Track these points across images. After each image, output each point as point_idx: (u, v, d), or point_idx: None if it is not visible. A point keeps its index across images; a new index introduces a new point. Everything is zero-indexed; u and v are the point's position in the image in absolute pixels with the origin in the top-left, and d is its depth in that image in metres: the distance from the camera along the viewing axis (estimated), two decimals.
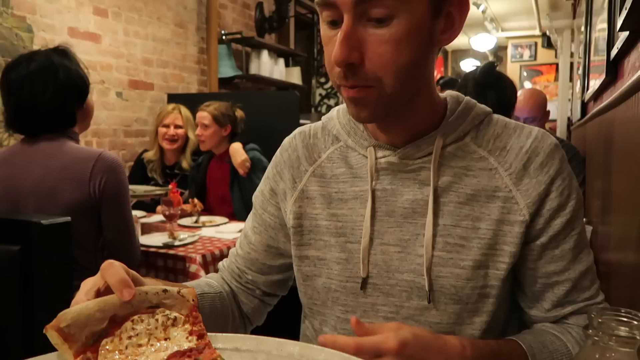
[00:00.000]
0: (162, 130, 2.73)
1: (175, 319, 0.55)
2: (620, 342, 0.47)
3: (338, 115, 0.83)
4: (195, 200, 2.30)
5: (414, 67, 0.65)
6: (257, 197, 0.89)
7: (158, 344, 0.53)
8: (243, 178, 2.43)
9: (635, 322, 0.48)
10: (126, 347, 0.52)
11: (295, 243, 0.81)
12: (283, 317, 1.10)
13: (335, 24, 0.64)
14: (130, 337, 0.52)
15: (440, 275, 0.72)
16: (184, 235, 1.98)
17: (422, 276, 0.73)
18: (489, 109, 0.78)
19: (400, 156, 0.74)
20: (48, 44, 2.68)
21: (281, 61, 4.50)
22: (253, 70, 4.19)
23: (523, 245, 0.73)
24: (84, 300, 0.54)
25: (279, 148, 0.88)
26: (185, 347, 0.53)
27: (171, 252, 1.83)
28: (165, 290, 0.56)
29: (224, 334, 0.56)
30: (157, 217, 2.41)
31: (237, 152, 2.44)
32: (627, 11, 0.95)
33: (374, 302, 0.76)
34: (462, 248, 0.72)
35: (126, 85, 3.24)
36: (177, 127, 2.73)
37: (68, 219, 1.28)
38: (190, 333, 0.54)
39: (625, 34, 1.21)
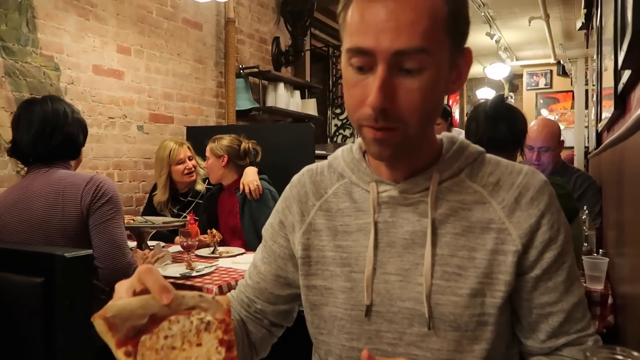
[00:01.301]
0: (178, 168, 2.78)
1: (208, 323, 0.57)
2: None
3: (343, 154, 0.89)
4: (214, 231, 2.35)
5: (433, 112, 0.74)
6: (266, 230, 0.94)
7: (190, 349, 0.55)
8: (253, 208, 2.49)
9: None
10: (161, 348, 0.55)
11: (303, 273, 0.85)
12: (294, 353, 1.11)
13: (362, 70, 0.70)
14: (166, 337, 0.55)
15: (439, 302, 0.76)
16: (201, 266, 2.02)
17: (422, 304, 0.76)
18: (482, 149, 0.84)
19: (400, 190, 0.79)
20: (74, 82, 2.83)
21: (297, 93, 4.59)
22: (270, 102, 4.29)
23: (518, 277, 0.77)
24: (124, 297, 0.58)
25: (289, 184, 0.93)
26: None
27: (188, 282, 1.87)
28: (201, 295, 0.58)
29: None
30: (175, 248, 2.45)
31: (250, 173, 2.57)
32: (624, 52, 0.98)
33: (378, 329, 0.79)
34: (459, 277, 0.76)
35: (147, 119, 3.35)
36: (189, 158, 2.83)
37: (90, 251, 1.33)
38: (221, 343, 0.56)
39: (629, 71, 1.24)
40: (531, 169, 0.80)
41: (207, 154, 2.63)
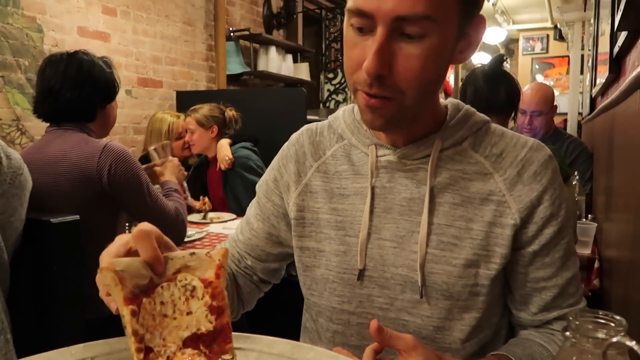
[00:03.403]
0: (178, 143, 2.67)
1: (194, 289, 0.54)
2: (597, 344, 0.49)
3: (344, 115, 0.86)
4: (206, 198, 2.34)
5: (434, 83, 0.70)
6: (260, 187, 0.92)
7: (180, 318, 0.53)
8: (229, 178, 2.47)
9: (612, 325, 0.50)
10: (158, 314, 0.53)
11: (296, 234, 0.85)
12: (285, 312, 1.12)
13: (362, 30, 0.66)
14: (162, 303, 0.53)
15: (432, 271, 0.75)
16: (191, 232, 2.02)
17: (416, 271, 0.76)
18: (487, 118, 0.82)
19: (399, 155, 0.78)
20: (58, 44, 2.75)
21: (289, 57, 4.51)
22: (261, 66, 4.21)
23: (514, 251, 0.76)
24: (117, 252, 0.55)
25: (287, 142, 0.91)
26: (203, 330, 0.53)
27: (179, 248, 1.86)
28: (192, 253, 0.55)
29: None
30: None
31: (222, 147, 2.51)
32: (621, 12, 0.96)
33: (370, 293, 0.79)
34: (455, 247, 0.75)
35: (135, 83, 3.28)
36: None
37: (77, 217, 1.32)
38: (210, 310, 0.53)
39: (625, 32, 1.21)
40: (536, 142, 0.78)
41: (191, 126, 2.52)
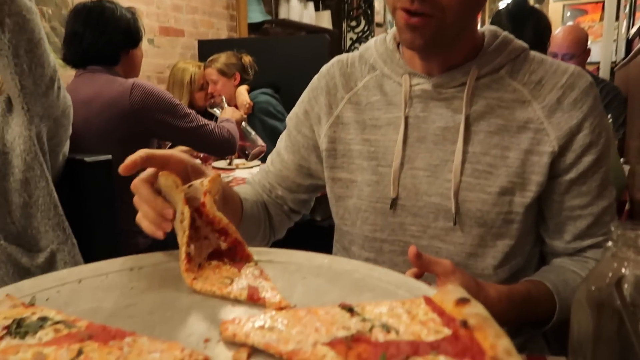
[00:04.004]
0: (201, 94, 2.62)
1: (193, 219, 0.55)
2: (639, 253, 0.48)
3: (375, 44, 0.85)
4: None
5: (475, 3, 0.69)
6: (291, 119, 0.92)
7: (200, 241, 0.56)
8: (252, 122, 2.48)
9: None
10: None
11: (328, 165, 0.86)
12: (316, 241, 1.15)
13: None
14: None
15: (466, 199, 0.75)
16: None
17: (449, 199, 0.76)
18: (526, 45, 0.80)
19: (434, 84, 0.76)
20: None
21: (311, 5, 4.40)
22: (282, 14, 4.12)
23: (551, 179, 0.75)
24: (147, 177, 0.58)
25: (317, 74, 0.91)
26: (222, 247, 0.56)
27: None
28: (190, 185, 0.58)
29: (257, 248, 0.60)
30: None
31: (240, 94, 2.51)
32: None
33: (402, 221, 0.80)
34: (490, 175, 0.75)
35: (157, 32, 3.25)
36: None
37: (109, 156, 1.35)
38: (216, 232, 0.56)
39: None
40: (578, 69, 0.76)
41: (213, 77, 2.50)
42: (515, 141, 0.74)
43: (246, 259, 0.56)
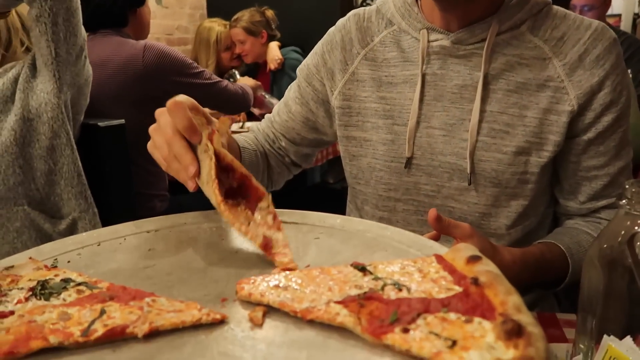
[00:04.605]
0: (226, 55, 2.61)
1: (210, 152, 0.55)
2: None
3: None
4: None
5: None
6: (301, 70, 0.91)
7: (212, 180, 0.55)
8: (280, 78, 2.49)
9: None
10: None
11: (342, 124, 0.85)
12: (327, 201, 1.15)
13: None
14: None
15: (482, 159, 0.75)
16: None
17: (465, 159, 0.75)
18: (549, 0, 0.76)
19: (453, 40, 0.75)
20: None
21: None
22: None
23: (568, 139, 0.74)
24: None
25: (333, 27, 0.88)
26: (234, 185, 0.55)
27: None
28: (209, 122, 0.59)
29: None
30: None
31: (271, 49, 2.53)
32: None
33: (417, 181, 0.80)
34: (507, 134, 0.74)
35: None
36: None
37: (122, 121, 1.35)
38: (223, 170, 0.56)
39: None
40: (601, 25, 0.74)
41: (241, 37, 2.50)
42: (534, 100, 0.73)
43: (258, 195, 0.55)
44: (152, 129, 0.58)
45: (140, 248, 0.54)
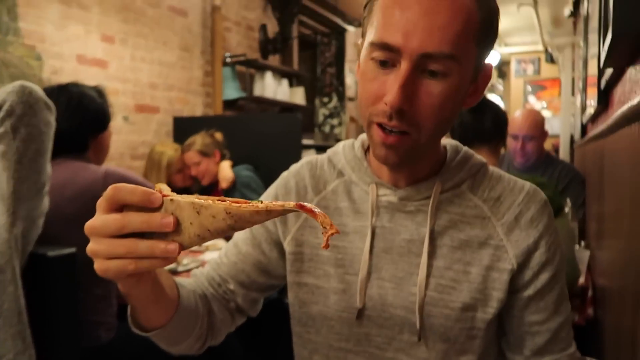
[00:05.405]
0: (179, 176, 2.70)
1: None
2: None
3: (344, 150, 0.86)
4: None
5: (448, 122, 0.72)
6: None
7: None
8: (235, 197, 2.54)
9: None
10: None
11: (293, 270, 0.84)
12: (280, 336, 1.12)
13: (384, 64, 0.67)
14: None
15: (431, 314, 0.76)
16: (187, 261, 2.02)
17: (414, 313, 0.77)
18: (484, 160, 0.83)
19: (400, 197, 0.78)
20: (57, 72, 2.78)
21: (285, 82, 4.56)
22: (257, 91, 4.25)
23: (510, 294, 0.77)
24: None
25: (287, 172, 0.90)
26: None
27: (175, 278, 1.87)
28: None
29: None
30: None
31: (222, 168, 2.64)
32: (605, 52, 0.99)
33: (368, 332, 0.80)
34: (453, 290, 0.76)
35: (132, 109, 3.31)
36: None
37: (73, 249, 1.32)
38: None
39: (611, 69, 1.25)
40: (533, 187, 0.80)
41: (195, 159, 2.62)
42: (477, 257, 0.76)
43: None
44: (92, 235, 0.53)
45: None
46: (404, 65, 0.65)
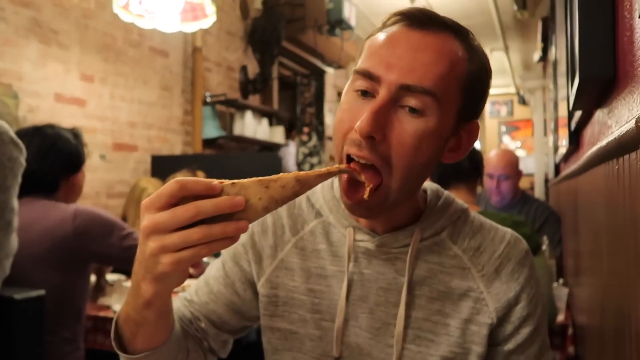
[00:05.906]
0: None
1: None
2: None
3: (322, 190, 0.83)
4: None
5: (423, 168, 0.68)
6: (228, 249, 0.84)
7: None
8: None
9: None
10: None
11: (267, 313, 0.80)
12: None
13: (365, 94, 0.66)
14: None
15: None
16: None
17: None
18: (466, 206, 0.81)
19: (378, 244, 0.75)
20: (33, 110, 2.75)
21: (265, 121, 4.60)
22: (237, 130, 4.27)
23: (490, 347, 0.75)
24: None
25: None
26: None
27: None
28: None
29: None
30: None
31: None
32: (574, 96, 1.03)
33: None
34: (432, 343, 0.74)
35: (110, 147, 3.28)
36: None
37: (42, 292, 1.27)
38: None
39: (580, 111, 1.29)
40: (514, 237, 0.78)
41: None
42: (456, 309, 0.74)
43: None
44: (158, 232, 0.53)
45: None
46: (381, 94, 0.64)
